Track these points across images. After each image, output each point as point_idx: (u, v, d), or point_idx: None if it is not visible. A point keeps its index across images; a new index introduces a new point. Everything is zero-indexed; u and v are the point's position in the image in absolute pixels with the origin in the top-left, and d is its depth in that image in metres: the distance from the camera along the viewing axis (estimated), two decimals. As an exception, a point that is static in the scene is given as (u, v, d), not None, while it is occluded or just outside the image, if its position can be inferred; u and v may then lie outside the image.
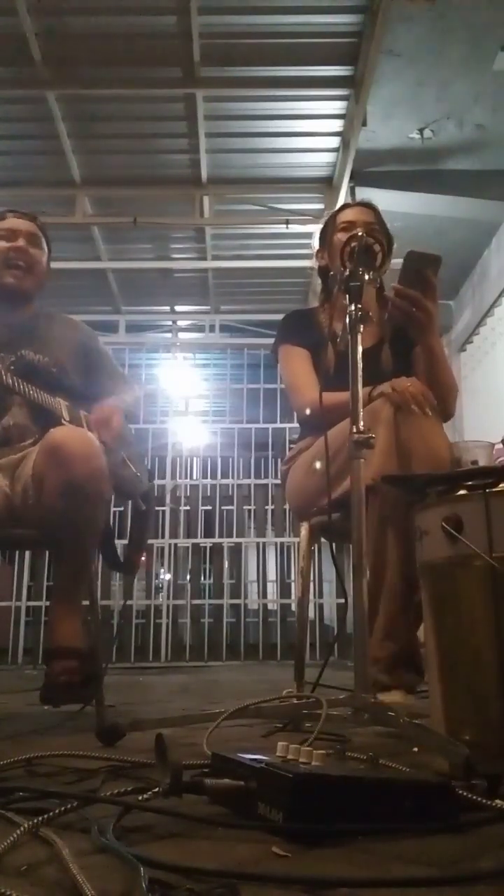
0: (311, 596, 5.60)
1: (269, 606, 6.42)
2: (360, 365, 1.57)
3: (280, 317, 2.40)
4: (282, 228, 5.22)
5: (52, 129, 4.50)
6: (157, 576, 6.39)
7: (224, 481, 6.43)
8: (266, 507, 6.41)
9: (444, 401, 1.98)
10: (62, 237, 5.50)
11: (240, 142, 4.73)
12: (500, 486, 1.26)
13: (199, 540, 6.37)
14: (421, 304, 1.88)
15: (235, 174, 5.03)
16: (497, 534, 1.23)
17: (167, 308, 6.96)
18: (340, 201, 4.72)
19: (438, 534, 1.31)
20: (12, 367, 2.01)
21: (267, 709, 1.59)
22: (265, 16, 3.83)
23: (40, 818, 0.89)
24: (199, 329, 7.09)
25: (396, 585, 1.79)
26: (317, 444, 2.00)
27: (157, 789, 0.98)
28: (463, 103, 4.45)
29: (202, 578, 6.70)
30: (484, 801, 0.97)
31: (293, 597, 5.98)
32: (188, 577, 6.24)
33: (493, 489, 1.26)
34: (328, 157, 4.85)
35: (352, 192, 4.94)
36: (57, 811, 0.93)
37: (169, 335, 7.04)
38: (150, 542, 5.61)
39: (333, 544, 2.37)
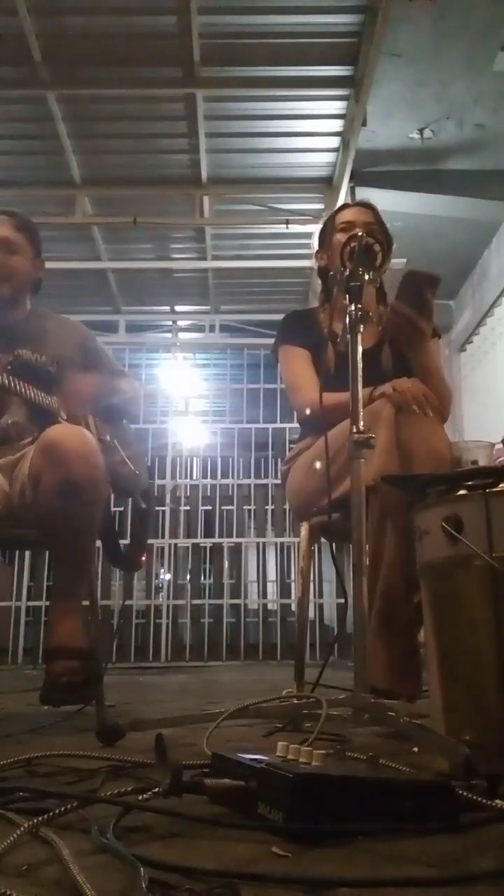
0: (311, 596, 5.60)
1: (269, 606, 6.42)
2: (360, 365, 1.57)
3: (280, 317, 2.40)
4: (282, 228, 5.22)
5: (52, 129, 4.50)
6: (157, 576, 6.39)
7: (224, 481, 6.43)
8: (266, 507, 6.41)
9: (438, 411, 1.98)
10: (62, 237, 5.52)
11: (240, 142, 4.73)
12: (500, 486, 1.26)
13: (199, 540, 6.37)
14: (415, 324, 1.89)
15: (235, 174, 5.03)
16: (497, 534, 1.23)
17: (167, 308, 6.97)
18: (340, 201, 4.72)
19: (438, 534, 1.31)
20: (9, 367, 2.01)
21: (267, 709, 1.59)
22: (265, 16, 3.83)
23: (40, 818, 0.89)
24: (199, 329, 7.09)
25: (396, 586, 1.79)
26: (317, 444, 2.00)
27: (157, 789, 0.98)
28: (463, 103, 4.45)
29: (202, 578, 6.70)
30: (484, 801, 0.98)
31: (293, 597, 5.98)
32: (188, 577, 6.24)
33: (493, 489, 1.26)
34: (328, 157, 4.85)
35: (352, 192, 4.94)
36: (57, 811, 0.93)
37: (169, 335, 7.04)
38: (150, 542, 5.61)
39: (333, 544, 2.37)
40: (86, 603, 2.04)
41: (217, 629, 5.87)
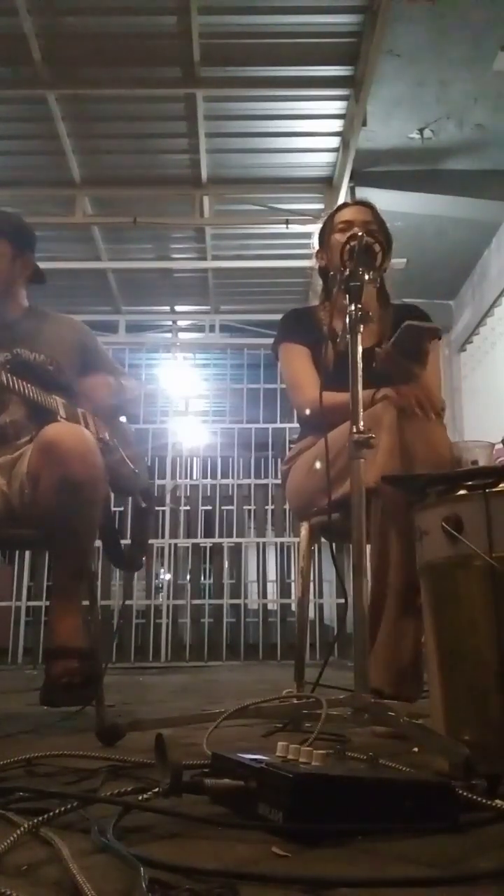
0: (311, 596, 5.60)
1: (269, 606, 6.42)
2: (360, 365, 1.57)
3: (280, 317, 2.40)
4: (282, 228, 5.22)
5: (52, 129, 4.50)
6: (157, 576, 6.39)
7: (224, 481, 6.43)
8: (266, 507, 6.41)
9: (439, 415, 1.98)
10: (62, 237, 5.52)
11: (240, 142, 4.73)
12: (500, 486, 1.26)
13: (199, 540, 6.37)
14: (410, 372, 1.91)
15: (235, 174, 5.03)
16: (497, 534, 1.23)
17: (167, 308, 6.96)
18: (340, 201, 4.72)
19: (438, 534, 1.31)
20: (8, 366, 2.01)
21: (267, 709, 1.59)
22: (265, 16, 3.82)
23: (40, 818, 0.90)
24: (199, 329, 7.09)
25: (399, 588, 1.79)
26: (318, 444, 2.00)
27: (157, 789, 0.98)
28: (463, 103, 4.45)
29: (202, 578, 6.70)
30: (484, 801, 0.98)
31: (293, 597, 5.98)
32: (188, 577, 6.24)
33: (493, 489, 1.26)
34: (328, 157, 4.85)
35: (352, 192, 4.94)
36: (57, 811, 0.93)
37: (169, 335, 7.04)
38: (150, 542, 5.61)
39: (333, 544, 2.37)
40: (86, 603, 2.04)
41: (217, 629, 5.86)
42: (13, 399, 2.04)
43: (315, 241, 2.37)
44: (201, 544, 6.36)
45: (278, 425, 6.08)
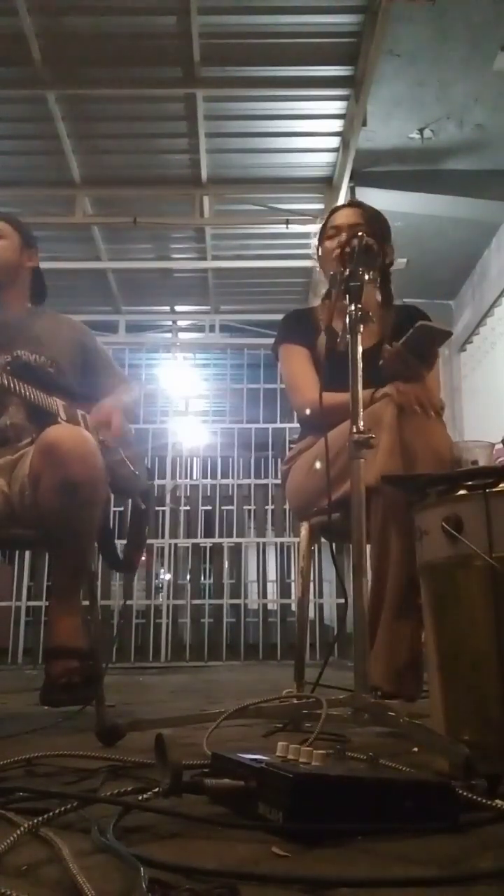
0: (311, 596, 5.59)
1: (269, 606, 6.41)
2: (360, 365, 1.57)
3: (280, 317, 2.40)
4: (282, 228, 5.23)
5: (52, 129, 4.50)
6: (157, 576, 6.39)
7: (224, 481, 6.43)
8: (266, 507, 6.41)
9: (439, 414, 1.99)
10: (62, 237, 5.52)
11: (240, 142, 4.73)
12: (500, 486, 1.26)
13: (199, 540, 6.37)
14: (417, 372, 1.90)
15: (235, 174, 5.03)
16: (497, 534, 1.23)
17: (167, 308, 6.96)
18: (340, 201, 4.72)
19: (438, 534, 1.31)
20: (8, 367, 2.01)
21: (267, 709, 1.58)
22: (265, 16, 3.82)
23: (40, 818, 0.90)
24: (199, 329, 7.09)
25: (399, 588, 1.79)
26: (318, 444, 2.00)
27: (157, 789, 0.98)
28: (463, 103, 4.45)
29: (202, 578, 6.70)
30: (484, 801, 0.98)
31: (293, 597, 5.98)
32: (188, 577, 6.24)
33: (493, 489, 1.26)
34: (328, 157, 4.85)
35: (352, 192, 4.94)
36: (57, 811, 0.93)
37: (169, 335, 7.04)
38: (150, 542, 5.61)
39: (333, 544, 2.37)
40: (86, 603, 2.04)
41: (217, 629, 5.86)
42: (14, 401, 2.04)
43: (314, 245, 2.39)
44: (201, 544, 6.36)
45: (278, 425, 6.08)
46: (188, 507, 6.50)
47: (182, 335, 7.13)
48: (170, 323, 7.11)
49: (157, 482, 5.87)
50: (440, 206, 5.20)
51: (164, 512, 6.00)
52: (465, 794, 0.98)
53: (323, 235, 2.27)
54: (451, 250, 5.78)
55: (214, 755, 1.08)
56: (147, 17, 3.83)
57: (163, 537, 5.99)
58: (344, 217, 2.24)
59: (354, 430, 1.52)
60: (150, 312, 7.00)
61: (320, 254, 2.29)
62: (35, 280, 2.33)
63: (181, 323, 7.13)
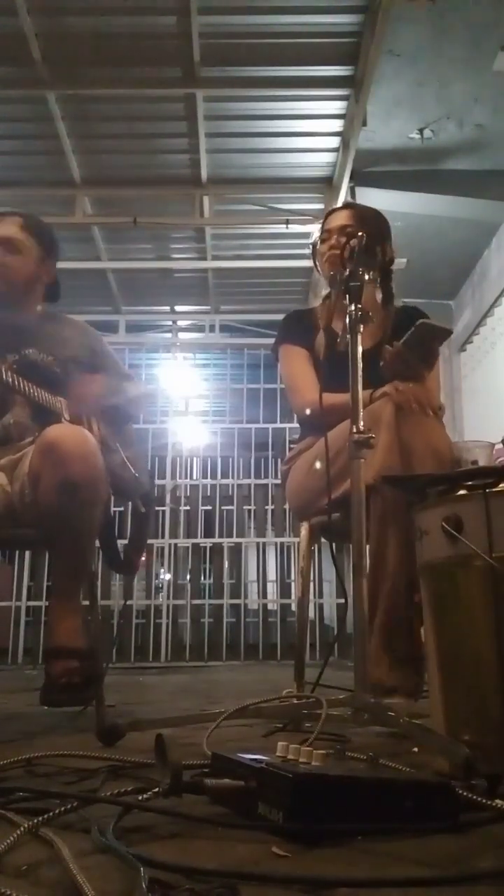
0: (311, 596, 5.59)
1: (269, 606, 6.41)
2: (360, 365, 1.57)
3: (280, 317, 2.40)
4: (282, 228, 5.22)
5: (52, 129, 4.50)
6: (157, 576, 6.39)
7: (224, 481, 6.43)
8: (266, 507, 6.41)
9: (438, 413, 1.98)
10: (62, 237, 5.47)
11: (240, 142, 4.73)
12: (500, 486, 1.26)
13: (199, 540, 6.37)
14: (417, 371, 1.90)
15: (235, 174, 5.03)
16: (497, 534, 1.23)
17: (167, 308, 6.96)
18: (340, 201, 4.73)
19: (438, 534, 1.31)
20: (15, 366, 2.01)
21: (267, 709, 1.59)
22: (265, 16, 3.82)
23: (40, 818, 0.90)
24: (199, 329, 7.09)
25: (396, 585, 1.79)
26: (317, 444, 2.00)
27: (157, 789, 0.98)
28: (463, 103, 4.45)
29: (202, 578, 6.70)
30: (484, 801, 0.98)
31: (293, 597, 5.98)
32: (188, 577, 6.24)
33: (493, 489, 1.26)
34: (328, 157, 4.85)
35: (352, 192, 4.94)
36: (57, 811, 0.93)
37: (169, 335, 7.04)
38: (150, 542, 5.61)
39: (333, 544, 2.37)
40: (86, 603, 2.04)
41: (217, 629, 5.86)
42: (18, 399, 2.04)
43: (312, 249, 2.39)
44: (201, 544, 6.36)
45: (278, 425, 6.08)
46: (188, 507, 6.50)
47: (182, 335, 7.13)
48: (170, 323, 7.11)
49: (157, 482, 5.86)
50: (440, 206, 5.20)
51: (164, 512, 6.00)
52: (465, 794, 0.98)
53: (319, 239, 2.28)
54: (451, 250, 5.78)
55: (214, 755, 1.08)
56: (147, 17, 3.83)
57: (163, 537, 5.99)
58: (335, 220, 2.25)
59: (354, 429, 1.52)
60: (150, 312, 7.00)
61: (316, 258, 2.29)
62: (50, 287, 2.34)
63: (181, 323, 7.13)
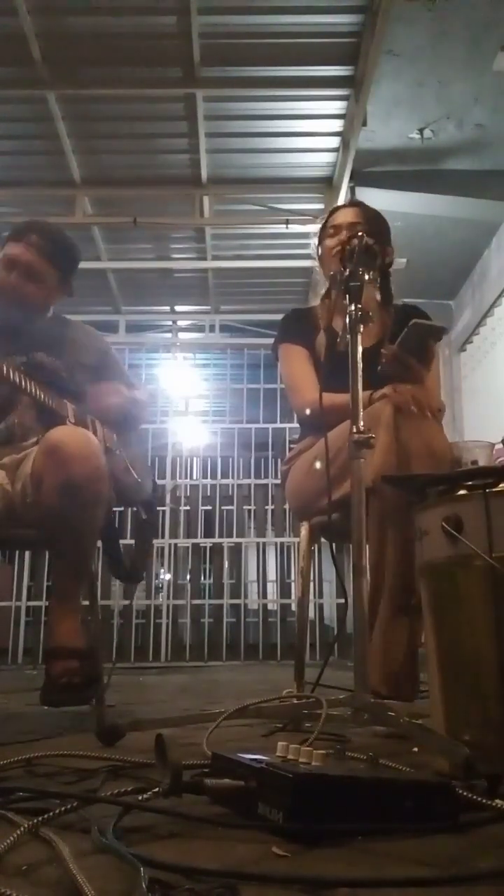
0: (311, 596, 5.59)
1: (269, 606, 6.41)
2: (360, 365, 1.57)
3: (280, 317, 2.40)
4: (282, 228, 5.22)
5: (52, 129, 4.50)
6: (157, 576, 6.39)
7: (224, 481, 6.42)
8: (266, 507, 6.41)
9: (437, 415, 1.98)
10: (62, 237, 5.51)
11: (240, 142, 4.73)
12: (500, 486, 1.26)
13: (199, 540, 6.37)
14: (415, 371, 1.90)
15: (235, 174, 5.03)
16: (497, 534, 1.23)
17: (167, 308, 6.97)
18: (340, 201, 4.72)
19: (438, 534, 1.31)
20: (22, 367, 2.01)
21: (267, 709, 1.58)
22: (265, 16, 3.83)
23: (40, 818, 0.89)
24: (199, 329, 7.09)
25: (394, 588, 1.79)
26: (317, 444, 2.00)
27: (157, 789, 0.98)
28: (463, 103, 4.46)
29: (202, 578, 6.70)
30: (484, 801, 0.98)
31: (293, 597, 5.97)
32: (188, 577, 6.23)
33: (493, 489, 1.26)
34: (328, 157, 4.85)
35: (352, 192, 4.94)
36: (57, 811, 0.93)
37: (169, 335, 7.04)
38: (152, 539, 5.59)
39: (333, 544, 2.37)
40: (86, 603, 2.04)
41: (217, 629, 5.86)
42: (24, 400, 2.05)
43: (314, 244, 2.38)
44: (201, 544, 6.36)
45: (278, 425, 6.08)
46: (188, 507, 6.50)
47: (182, 335, 7.13)
48: (170, 323, 7.11)
49: (157, 482, 5.86)
50: (440, 206, 5.20)
51: (164, 512, 6.00)
52: (465, 794, 0.98)
53: (323, 234, 2.27)
54: (451, 250, 5.78)
55: (214, 755, 1.08)
56: (147, 17, 3.83)
57: (163, 537, 5.99)
58: (344, 216, 2.24)
59: (354, 430, 1.52)
60: (150, 312, 7.00)
61: (320, 253, 2.29)
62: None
63: (181, 323, 7.13)
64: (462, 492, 1.31)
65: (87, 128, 4.59)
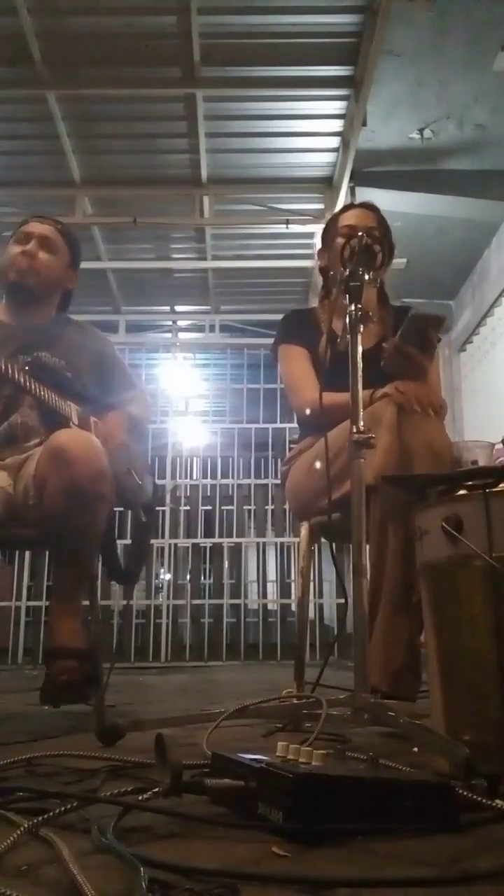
0: (311, 596, 5.60)
1: (269, 606, 6.42)
2: (360, 365, 1.57)
3: (280, 317, 2.40)
4: (282, 228, 5.22)
5: (52, 129, 4.50)
6: (157, 576, 6.39)
7: (224, 481, 6.43)
8: (266, 507, 6.41)
9: (439, 414, 1.98)
10: (62, 237, 5.50)
11: (240, 142, 4.73)
12: (500, 486, 1.26)
13: (199, 540, 6.37)
14: (418, 363, 1.90)
15: (235, 174, 5.03)
16: (497, 534, 1.23)
17: (167, 308, 6.96)
18: (340, 201, 4.72)
19: (438, 534, 1.31)
20: (27, 367, 2.01)
21: (267, 709, 1.58)
22: (265, 16, 3.82)
23: (40, 818, 0.89)
24: (199, 329, 7.09)
25: (395, 586, 1.79)
26: (317, 444, 2.00)
27: (157, 789, 0.98)
28: (463, 103, 4.45)
29: (202, 578, 6.70)
30: (484, 801, 0.98)
31: (293, 597, 5.98)
32: (188, 577, 6.24)
33: (493, 489, 1.26)
34: (328, 157, 4.85)
35: (352, 192, 4.94)
36: (57, 811, 0.93)
37: (169, 335, 7.04)
38: (149, 542, 5.60)
39: (333, 544, 2.37)
40: (86, 603, 2.04)
41: (217, 629, 5.86)
42: (28, 401, 2.05)
43: (318, 241, 2.37)
44: (201, 544, 6.36)
45: (278, 425, 6.08)
46: (188, 507, 6.51)
47: (182, 335, 7.13)
48: (170, 323, 7.11)
49: (157, 482, 5.86)
50: (440, 206, 5.20)
51: (164, 512, 6.00)
52: (465, 794, 0.98)
53: (331, 233, 2.25)
54: (451, 250, 5.78)
55: (214, 755, 1.08)
56: (147, 17, 3.83)
57: (163, 537, 5.99)
58: (358, 218, 2.22)
59: (354, 429, 1.52)
60: (150, 312, 7.00)
61: (328, 252, 2.26)
62: (65, 294, 2.36)
63: (181, 323, 7.13)
64: (462, 492, 1.31)
65: (87, 128, 4.59)
